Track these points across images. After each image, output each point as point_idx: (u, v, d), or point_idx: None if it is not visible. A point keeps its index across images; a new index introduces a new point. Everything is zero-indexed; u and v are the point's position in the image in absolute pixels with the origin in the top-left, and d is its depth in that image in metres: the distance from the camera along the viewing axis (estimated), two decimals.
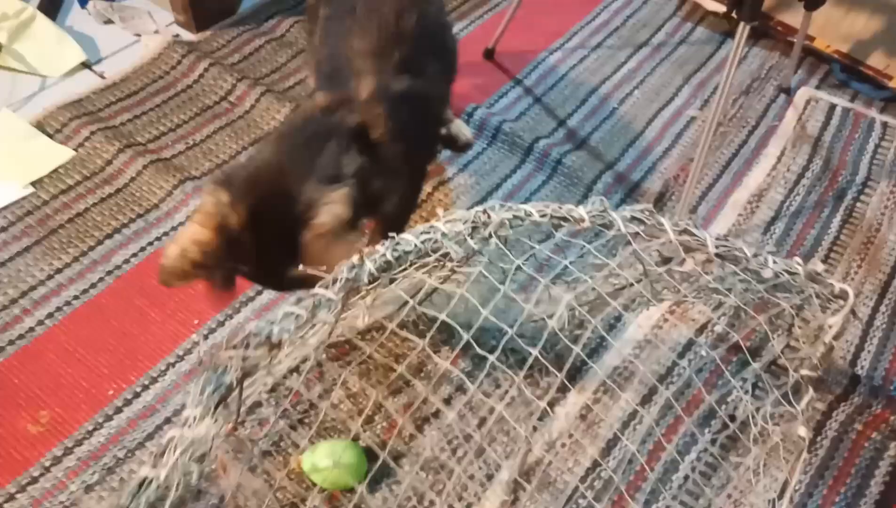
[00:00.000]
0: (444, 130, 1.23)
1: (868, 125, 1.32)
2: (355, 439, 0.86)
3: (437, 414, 0.89)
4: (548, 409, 0.91)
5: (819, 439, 0.92)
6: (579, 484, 0.86)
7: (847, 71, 1.40)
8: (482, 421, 0.90)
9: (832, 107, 1.35)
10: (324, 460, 0.80)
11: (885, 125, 1.32)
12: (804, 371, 0.68)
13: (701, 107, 1.35)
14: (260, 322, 0.49)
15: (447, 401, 0.91)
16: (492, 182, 1.20)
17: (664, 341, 1.01)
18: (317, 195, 0.72)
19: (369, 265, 0.51)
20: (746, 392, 0.94)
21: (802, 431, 0.66)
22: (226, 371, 0.45)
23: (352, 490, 0.81)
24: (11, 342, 0.95)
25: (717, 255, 0.62)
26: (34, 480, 0.83)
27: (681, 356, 0.99)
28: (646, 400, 0.95)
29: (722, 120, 1.13)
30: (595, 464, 0.88)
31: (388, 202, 0.92)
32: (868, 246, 1.14)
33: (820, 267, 0.65)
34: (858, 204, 1.20)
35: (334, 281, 0.51)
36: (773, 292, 0.65)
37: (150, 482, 0.42)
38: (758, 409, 0.84)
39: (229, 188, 0.72)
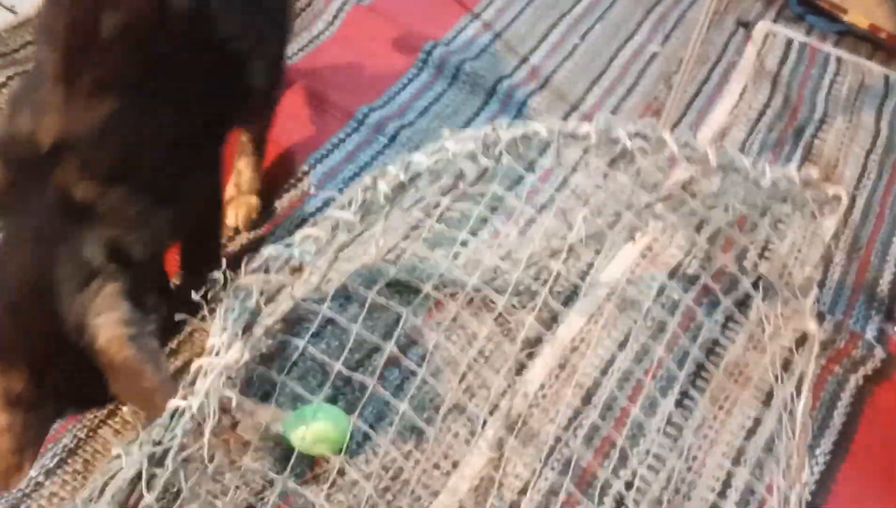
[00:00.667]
0: None
1: (823, 60, 1.33)
2: (333, 402, 0.83)
3: (415, 373, 0.87)
4: (526, 361, 0.90)
5: (787, 375, 0.95)
6: (563, 434, 0.86)
7: (803, 4, 1.39)
8: (463, 377, 0.88)
9: (789, 42, 1.34)
10: (304, 425, 0.77)
11: (839, 60, 1.33)
12: (808, 270, 0.71)
13: (662, 42, 1.32)
14: (278, 246, 0.46)
15: (423, 359, 0.88)
16: (455, 125, 1.15)
17: (637, 285, 1.01)
18: (81, 314, 0.60)
19: (383, 186, 0.47)
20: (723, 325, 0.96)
21: (812, 325, 0.69)
22: (249, 296, 0.42)
23: (338, 453, 0.78)
24: None
25: (719, 166, 0.62)
26: None
27: (654, 299, 1.00)
28: (622, 345, 0.95)
29: (685, 57, 1.11)
30: (577, 412, 0.88)
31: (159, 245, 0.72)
32: (827, 183, 1.16)
33: (814, 173, 0.67)
34: (817, 141, 1.21)
35: (350, 202, 0.48)
36: (770, 201, 0.67)
37: (183, 411, 0.39)
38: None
39: None
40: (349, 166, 1.07)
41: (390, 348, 0.68)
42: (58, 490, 0.76)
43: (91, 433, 0.80)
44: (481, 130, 0.59)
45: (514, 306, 0.94)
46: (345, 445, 0.79)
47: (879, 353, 0.96)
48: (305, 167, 1.05)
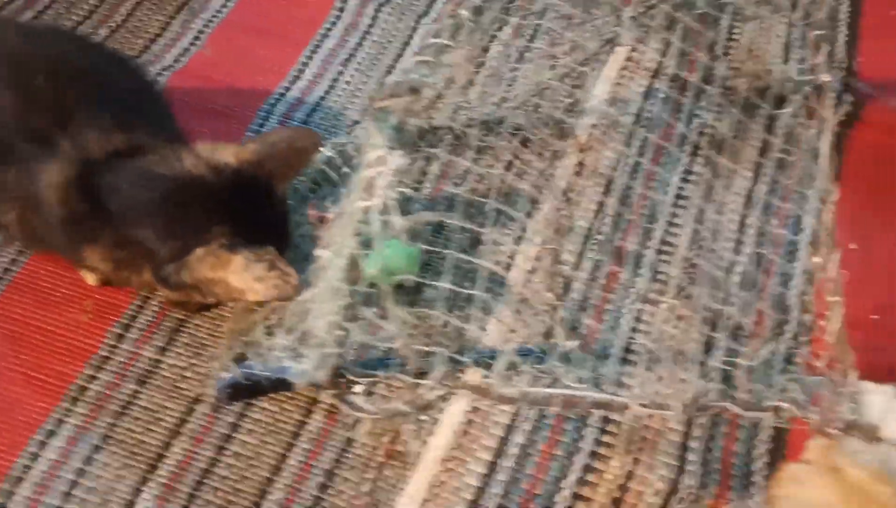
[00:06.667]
0: None
1: None
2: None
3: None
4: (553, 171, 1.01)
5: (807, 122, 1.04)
6: (593, 224, 0.98)
7: None
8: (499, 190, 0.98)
9: None
10: (382, 258, 0.86)
11: None
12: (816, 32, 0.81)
13: None
14: (397, 77, 0.55)
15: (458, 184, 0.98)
16: None
17: (628, 92, 1.11)
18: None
19: (464, 13, 0.56)
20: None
21: (825, 77, 0.79)
22: (391, 115, 0.51)
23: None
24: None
25: None
26: (106, 359, 0.86)
27: (644, 101, 1.10)
28: (627, 143, 1.05)
29: None
30: (601, 203, 0.99)
31: None
32: None
33: None
34: None
35: (442, 30, 0.56)
36: None
37: (369, 208, 0.48)
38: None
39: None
40: None
41: None
42: (174, 360, 0.86)
43: (187, 316, 0.89)
44: None
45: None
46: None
47: (847, 98, 1.08)
48: None
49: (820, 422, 0.59)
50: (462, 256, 0.84)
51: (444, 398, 0.83)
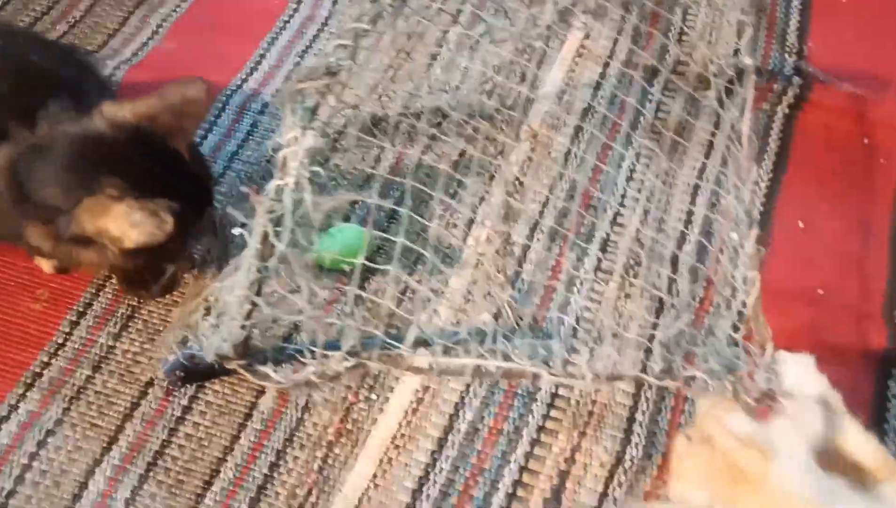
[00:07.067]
0: None
1: None
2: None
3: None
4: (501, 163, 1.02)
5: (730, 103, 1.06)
6: (543, 209, 0.99)
7: None
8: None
9: None
10: (332, 242, 0.87)
11: None
12: (740, 17, 0.82)
13: None
14: (315, 59, 0.56)
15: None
16: None
17: (579, 82, 1.12)
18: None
19: None
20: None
21: (748, 60, 0.80)
22: (307, 97, 0.52)
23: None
24: None
25: None
26: (61, 346, 0.87)
27: (595, 91, 1.12)
28: (578, 132, 1.07)
29: None
30: (550, 192, 1.00)
31: None
32: None
33: None
34: None
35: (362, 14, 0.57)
36: None
37: (283, 188, 0.49)
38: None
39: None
40: None
41: None
42: (127, 345, 0.87)
43: (141, 302, 0.90)
44: None
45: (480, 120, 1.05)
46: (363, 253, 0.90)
47: (797, 81, 1.10)
48: None
49: (736, 391, 0.61)
50: (408, 243, 0.86)
51: (395, 378, 0.84)
